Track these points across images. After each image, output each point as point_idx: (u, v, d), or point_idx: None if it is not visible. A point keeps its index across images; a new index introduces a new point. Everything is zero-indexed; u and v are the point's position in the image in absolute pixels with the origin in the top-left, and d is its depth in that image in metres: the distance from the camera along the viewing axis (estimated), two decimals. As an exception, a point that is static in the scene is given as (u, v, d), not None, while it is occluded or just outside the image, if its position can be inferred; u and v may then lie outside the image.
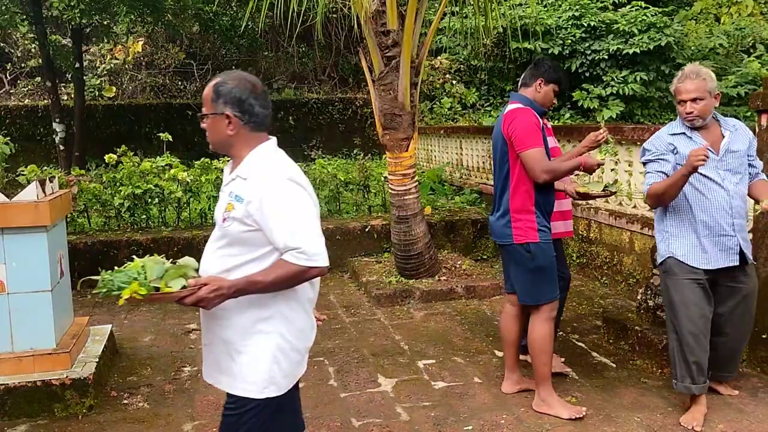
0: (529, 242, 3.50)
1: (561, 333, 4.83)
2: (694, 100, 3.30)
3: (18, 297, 3.75)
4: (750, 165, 3.48)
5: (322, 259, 2.12)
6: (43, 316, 3.81)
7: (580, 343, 4.70)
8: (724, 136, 3.39)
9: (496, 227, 3.64)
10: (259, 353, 2.18)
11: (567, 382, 4.03)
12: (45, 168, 7.65)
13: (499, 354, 4.50)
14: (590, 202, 6.08)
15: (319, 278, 2.28)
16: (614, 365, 4.26)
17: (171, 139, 7.24)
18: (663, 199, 3.39)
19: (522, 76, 3.78)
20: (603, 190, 3.74)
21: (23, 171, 6.58)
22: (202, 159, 7.20)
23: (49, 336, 3.84)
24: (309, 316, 2.32)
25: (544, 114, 3.77)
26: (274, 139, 2.30)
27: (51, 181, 4.05)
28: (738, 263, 3.41)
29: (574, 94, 11.27)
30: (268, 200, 2.09)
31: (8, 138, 3.83)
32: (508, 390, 3.88)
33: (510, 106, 3.61)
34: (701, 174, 3.31)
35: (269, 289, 2.12)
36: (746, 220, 3.50)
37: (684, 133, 3.40)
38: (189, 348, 4.79)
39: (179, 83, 14.23)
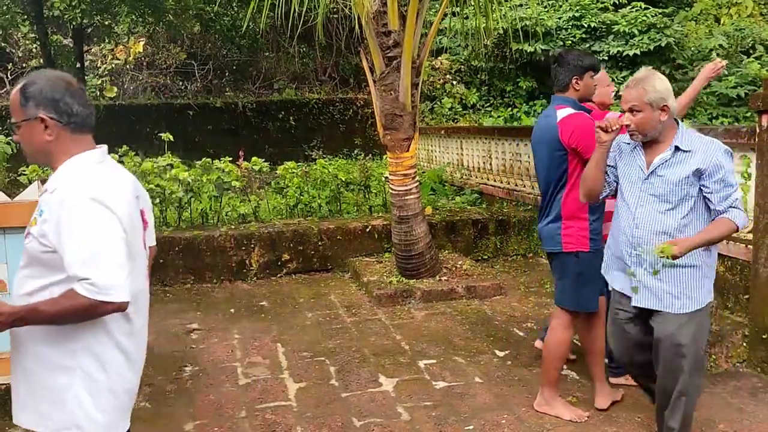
0: (579, 251, 3.42)
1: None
2: (630, 110, 2.83)
3: (17, 298, 3.75)
4: (706, 197, 2.80)
5: (118, 294, 1.83)
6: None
7: (577, 343, 4.70)
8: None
9: (546, 234, 3.53)
10: (60, 390, 1.94)
11: (568, 382, 4.04)
12: (46, 168, 7.65)
13: (500, 354, 4.52)
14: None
15: (141, 309, 2.07)
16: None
17: (172, 139, 7.25)
18: (585, 186, 3.09)
19: (554, 78, 3.54)
20: None
21: (24, 171, 6.59)
22: (203, 159, 7.22)
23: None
24: (126, 354, 2.02)
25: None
26: (101, 148, 2.07)
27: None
28: (636, 303, 2.93)
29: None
30: (64, 221, 1.85)
31: (9, 138, 3.83)
32: (603, 405, 3.65)
33: (561, 112, 3.42)
34: (623, 190, 2.98)
35: (56, 320, 1.87)
36: (693, 266, 2.83)
37: (629, 143, 2.99)
38: (190, 348, 4.80)
39: (180, 83, 14.25)
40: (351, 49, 14.65)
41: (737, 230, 2.82)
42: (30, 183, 3.91)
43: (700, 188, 2.80)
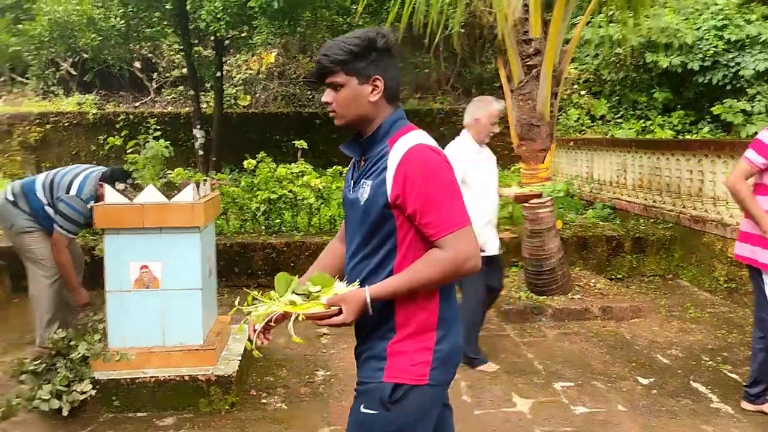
0: None
1: (711, 363, 4.49)
2: None
3: (171, 294, 3.94)
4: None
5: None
6: (192, 313, 3.99)
7: (733, 375, 4.33)
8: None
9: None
10: None
11: (721, 416, 3.72)
12: (186, 171, 8.09)
13: (643, 381, 4.23)
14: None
15: None
16: (777, 403, 3.88)
17: (306, 147, 7.44)
18: None
19: None
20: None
21: (170, 173, 6.99)
22: (334, 167, 7.35)
23: (198, 333, 4.01)
24: None
25: None
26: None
27: (204, 184, 4.25)
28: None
29: (713, 108, 10.54)
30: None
31: (168, 142, 4.04)
32: None
33: None
34: None
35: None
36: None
37: None
38: (321, 352, 4.86)
39: (308, 93, 14.69)
40: (474, 59, 14.50)
41: None
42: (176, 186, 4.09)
43: None
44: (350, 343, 5.03)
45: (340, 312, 1.83)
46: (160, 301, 3.93)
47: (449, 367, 2.00)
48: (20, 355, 4.29)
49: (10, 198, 4.40)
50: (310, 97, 14.55)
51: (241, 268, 6.66)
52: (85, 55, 11.15)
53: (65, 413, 3.54)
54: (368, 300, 1.83)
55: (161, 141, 3.87)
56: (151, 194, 3.87)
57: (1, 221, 4.50)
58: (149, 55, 13.98)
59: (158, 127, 5.20)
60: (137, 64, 14.28)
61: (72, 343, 3.81)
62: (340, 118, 1.95)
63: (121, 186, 4.01)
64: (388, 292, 1.85)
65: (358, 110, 1.93)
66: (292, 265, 6.63)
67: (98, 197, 4.22)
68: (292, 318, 1.84)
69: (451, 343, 1.97)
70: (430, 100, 14.63)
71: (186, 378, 3.86)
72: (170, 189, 4.07)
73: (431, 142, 1.93)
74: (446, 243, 1.81)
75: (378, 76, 1.91)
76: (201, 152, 11.16)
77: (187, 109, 12.96)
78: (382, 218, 1.88)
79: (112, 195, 3.85)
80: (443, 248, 1.81)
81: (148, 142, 3.97)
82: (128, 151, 4.50)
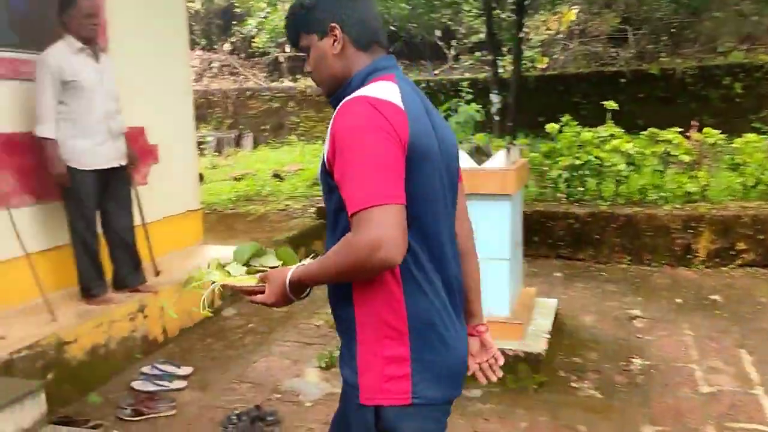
0: None
1: None
2: None
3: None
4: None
5: None
6: (499, 284, 3.82)
7: None
8: None
9: None
10: None
11: None
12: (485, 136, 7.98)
13: None
14: None
15: None
16: None
17: (617, 107, 6.77)
18: None
19: None
20: None
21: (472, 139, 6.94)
22: (649, 129, 6.60)
23: (504, 305, 3.84)
24: None
25: None
26: None
27: (512, 149, 4.02)
28: None
29: None
30: None
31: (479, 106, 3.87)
32: None
33: None
34: None
35: None
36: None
37: None
38: (636, 337, 4.36)
39: (612, 50, 13.64)
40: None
41: None
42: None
43: None
44: (670, 330, 4.46)
45: None
46: (469, 269, 3.83)
47: (444, 382, 1.56)
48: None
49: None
50: (614, 54, 13.48)
51: (540, 238, 6.35)
52: (392, 28, 11.71)
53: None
54: (287, 282, 1.52)
55: (473, 104, 3.72)
56: (462, 159, 3.75)
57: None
58: (449, 22, 14.22)
59: (452, 94, 5.09)
60: (437, 32, 14.67)
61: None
62: (320, 84, 1.65)
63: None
64: (309, 277, 1.50)
65: (328, 70, 1.61)
66: (597, 237, 6.14)
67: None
68: (211, 288, 1.66)
69: (440, 352, 1.54)
70: (761, 52, 12.52)
71: (492, 350, 3.73)
72: (480, 154, 3.92)
73: (388, 94, 1.47)
74: (353, 224, 1.38)
75: (333, 23, 1.57)
76: (497, 118, 11.06)
77: (483, 74, 12.94)
78: (328, 188, 1.53)
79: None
80: (351, 231, 1.39)
81: (460, 105, 3.85)
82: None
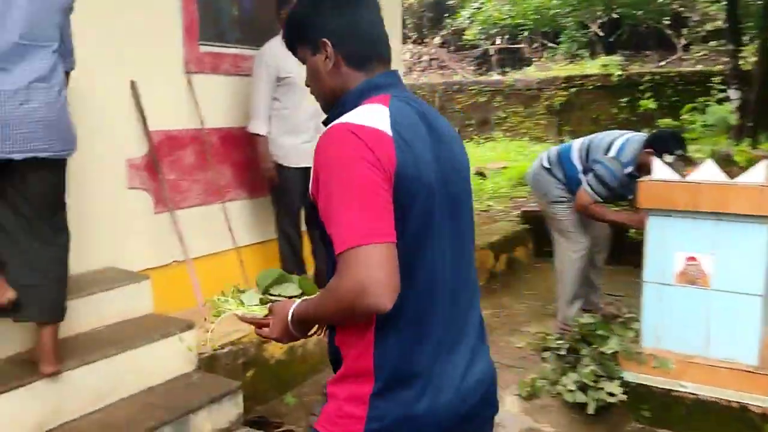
0: None
1: None
2: None
3: (722, 295, 3.18)
4: None
5: None
6: (747, 323, 3.16)
7: None
8: None
9: None
10: None
11: None
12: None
13: None
14: None
15: None
16: None
17: None
18: None
19: None
20: None
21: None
22: None
23: (752, 350, 3.16)
24: None
25: None
26: None
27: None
28: None
29: None
30: None
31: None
32: None
33: None
34: None
35: None
36: None
37: None
38: None
39: None
40: None
41: None
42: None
43: None
44: None
45: None
46: (708, 303, 3.21)
47: None
48: (543, 329, 4.17)
49: (546, 165, 4.26)
50: None
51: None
52: (615, 15, 10.78)
53: (591, 411, 3.20)
54: (289, 317, 1.44)
55: (726, 105, 3.07)
56: (709, 171, 3.14)
57: (535, 189, 4.42)
58: (680, 8, 12.83)
59: (680, 88, 4.35)
60: (665, 20, 13.31)
61: (599, 332, 3.44)
62: (317, 99, 1.56)
63: (669, 158, 3.39)
64: (306, 316, 1.42)
65: (322, 86, 1.51)
66: None
67: (640, 165, 3.73)
68: (220, 319, 1.62)
69: (404, 407, 1.35)
70: None
71: (733, 404, 3.11)
72: (684, 165, 3.31)
73: (374, 120, 1.33)
74: (338, 267, 1.27)
75: (324, 39, 1.45)
76: (735, 116, 9.68)
77: (719, 66, 11.44)
78: (317, 220, 1.37)
79: (660, 169, 3.27)
80: (335, 274, 1.28)
81: (708, 105, 3.22)
82: (680, 116, 3.84)
